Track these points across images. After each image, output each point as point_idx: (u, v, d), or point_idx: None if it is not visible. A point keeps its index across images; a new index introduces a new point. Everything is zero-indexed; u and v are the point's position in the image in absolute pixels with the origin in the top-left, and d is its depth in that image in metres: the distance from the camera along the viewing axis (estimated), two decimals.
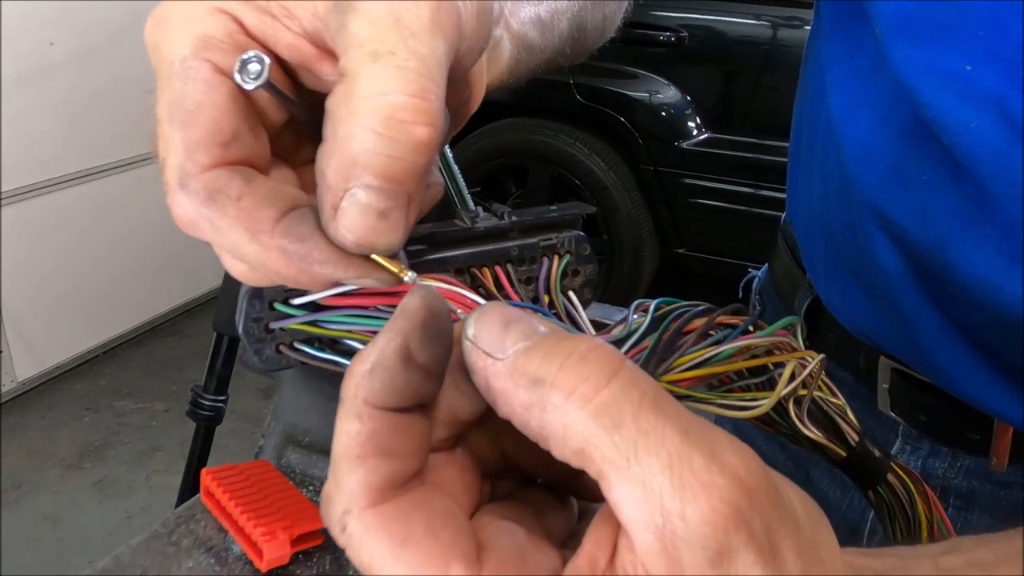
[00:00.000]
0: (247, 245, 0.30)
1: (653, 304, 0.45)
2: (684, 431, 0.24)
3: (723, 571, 0.23)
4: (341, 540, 0.25)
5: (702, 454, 0.24)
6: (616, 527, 0.25)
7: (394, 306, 0.40)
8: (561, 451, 0.25)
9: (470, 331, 0.26)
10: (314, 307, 0.42)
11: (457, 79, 0.32)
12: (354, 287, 0.38)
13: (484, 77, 0.38)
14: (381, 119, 0.28)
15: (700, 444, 0.24)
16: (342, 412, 0.26)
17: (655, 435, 0.24)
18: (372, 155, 0.28)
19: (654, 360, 0.41)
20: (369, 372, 0.26)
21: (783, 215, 0.71)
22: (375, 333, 0.41)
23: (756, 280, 0.77)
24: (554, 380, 0.24)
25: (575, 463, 0.25)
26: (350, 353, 0.42)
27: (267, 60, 0.29)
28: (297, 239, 0.30)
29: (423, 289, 0.27)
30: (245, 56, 0.29)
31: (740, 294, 0.78)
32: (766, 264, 0.76)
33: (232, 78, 0.30)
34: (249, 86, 0.29)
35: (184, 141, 0.30)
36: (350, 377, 0.26)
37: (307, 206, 0.31)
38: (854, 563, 0.28)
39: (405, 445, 0.26)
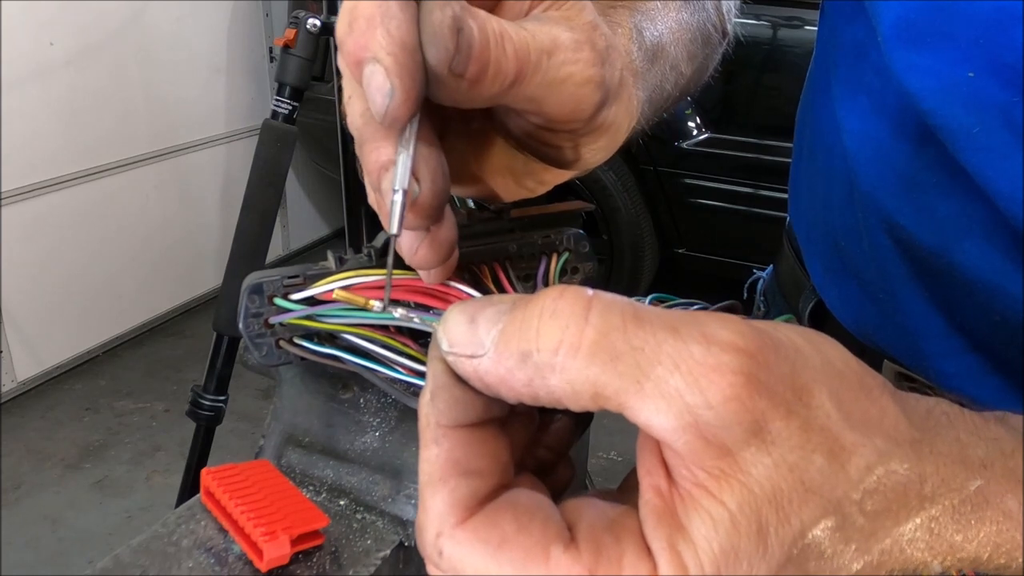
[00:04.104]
0: None
1: (647, 301, 0.45)
2: (673, 329, 0.25)
3: (763, 438, 0.24)
4: (442, 565, 0.26)
5: (698, 342, 0.24)
6: (657, 450, 0.26)
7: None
8: (577, 404, 0.25)
9: (444, 344, 0.27)
10: (313, 302, 0.42)
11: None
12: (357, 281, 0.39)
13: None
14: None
15: (691, 334, 0.25)
16: (420, 446, 0.27)
17: (651, 346, 0.24)
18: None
19: None
20: (431, 399, 0.27)
21: (789, 217, 0.71)
22: (373, 327, 0.41)
23: (761, 281, 0.77)
24: (538, 346, 0.25)
25: (595, 408, 0.25)
26: (349, 348, 0.42)
27: None
28: None
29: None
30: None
31: (745, 295, 0.78)
32: (771, 265, 0.75)
33: None
34: None
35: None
36: (420, 413, 0.28)
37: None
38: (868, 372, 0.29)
39: (483, 462, 0.27)
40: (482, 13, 0.32)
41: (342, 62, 0.32)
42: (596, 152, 0.40)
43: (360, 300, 0.40)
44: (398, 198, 0.32)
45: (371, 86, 0.30)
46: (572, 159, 0.40)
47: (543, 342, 0.25)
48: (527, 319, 0.25)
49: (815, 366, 0.26)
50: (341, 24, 0.31)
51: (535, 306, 0.26)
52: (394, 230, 0.32)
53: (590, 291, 0.26)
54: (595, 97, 0.36)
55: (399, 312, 0.39)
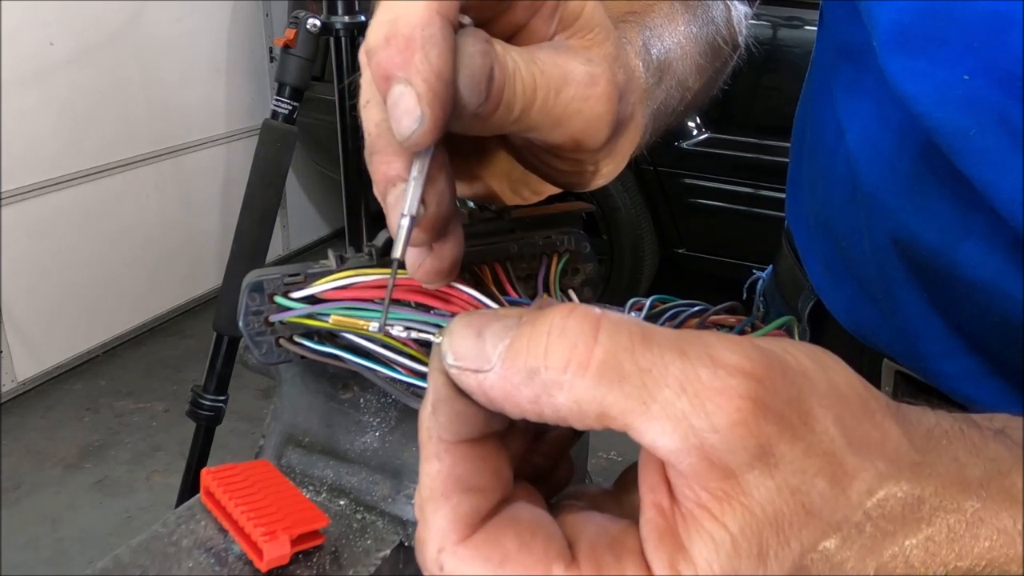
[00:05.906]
0: None
1: (648, 302, 0.45)
2: (680, 351, 0.25)
3: (767, 461, 0.24)
4: None
5: (705, 365, 0.24)
6: (661, 467, 0.26)
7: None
8: (582, 423, 0.25)
9: (449, 358, 0.27)
10: (313, 300, 0.42)
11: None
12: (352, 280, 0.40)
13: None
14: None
15: (699, 357, 0.25)
16: (421, 459, 0.27)
17: (658, 368, 0.24)
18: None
19: None
20: (432, 412, 0.27)
21: (786, 217, 0.71)
22: None
23: (760, 282, 0.77)
24: (546, 363, 0.25)
25: (599, 427, 0.25)
26: (349, 347, 0.42)
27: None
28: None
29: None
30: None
31: (744, 295, 0.78)
32: (770, 266, 0.75)
33: None
34: None
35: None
36: (420, 426, 0.27)
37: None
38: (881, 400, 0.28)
39: (484, 478, 0.27)
40: (500, 47, 0.32)
41: (369, 70, 0.31)
42: (599, 178, 0.41)
43: (358, 323, 0.40)
44: (405, 223, 0.32)
45: (398, 107, 0.30)
46: (575, 183, 0.41)
47: (551, 360, 0.25)
48: (535, 336, 0.25)
49: (821, 390, 0.26)
50: (376, 34, 0.30)
51: (544, 323, 0.25)
52: (398, 254, 0.32)
53: (599, 310, 0.26)
54: (603, 134, 0.36)
55: (396, 331, 0.39)
